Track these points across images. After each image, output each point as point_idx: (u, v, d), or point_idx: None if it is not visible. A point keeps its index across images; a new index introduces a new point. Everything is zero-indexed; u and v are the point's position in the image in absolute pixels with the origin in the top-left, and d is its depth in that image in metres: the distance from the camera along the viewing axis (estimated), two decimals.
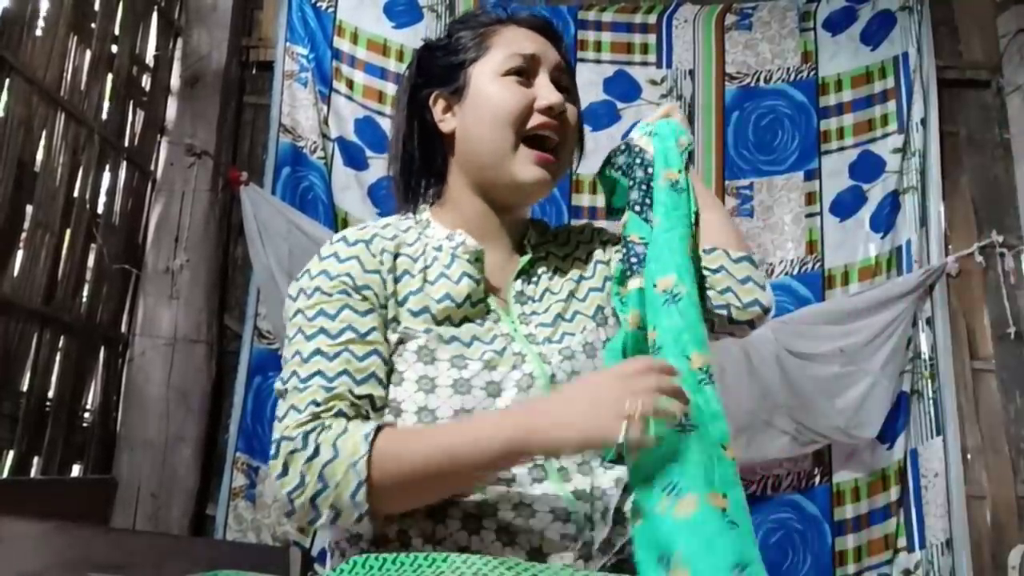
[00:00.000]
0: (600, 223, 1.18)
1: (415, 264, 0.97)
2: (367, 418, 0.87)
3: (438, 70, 1.04)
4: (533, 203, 1.08)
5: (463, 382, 0.89)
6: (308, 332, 0.90)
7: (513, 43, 1.01)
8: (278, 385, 0.90)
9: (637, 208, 1.00)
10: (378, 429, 0.82)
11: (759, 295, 1.04)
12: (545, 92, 0.99)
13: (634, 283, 0.96)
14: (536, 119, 0.98)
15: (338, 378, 0.87)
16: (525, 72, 1.00)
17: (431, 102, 1.03)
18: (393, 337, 0.92)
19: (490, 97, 0.98)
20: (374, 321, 0.91)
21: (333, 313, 0.90)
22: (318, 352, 0.88)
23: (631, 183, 1.03)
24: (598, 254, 1.09)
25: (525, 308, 0.99)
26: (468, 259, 0.98)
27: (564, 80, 1.03)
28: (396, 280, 0.95)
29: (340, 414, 0.85)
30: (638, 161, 1.03)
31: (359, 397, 0.87)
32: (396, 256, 0.96)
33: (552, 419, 0.79)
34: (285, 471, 0.82)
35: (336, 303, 0.91)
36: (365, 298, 0.92)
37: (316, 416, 0.84)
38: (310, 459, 0.80)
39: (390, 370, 0.91)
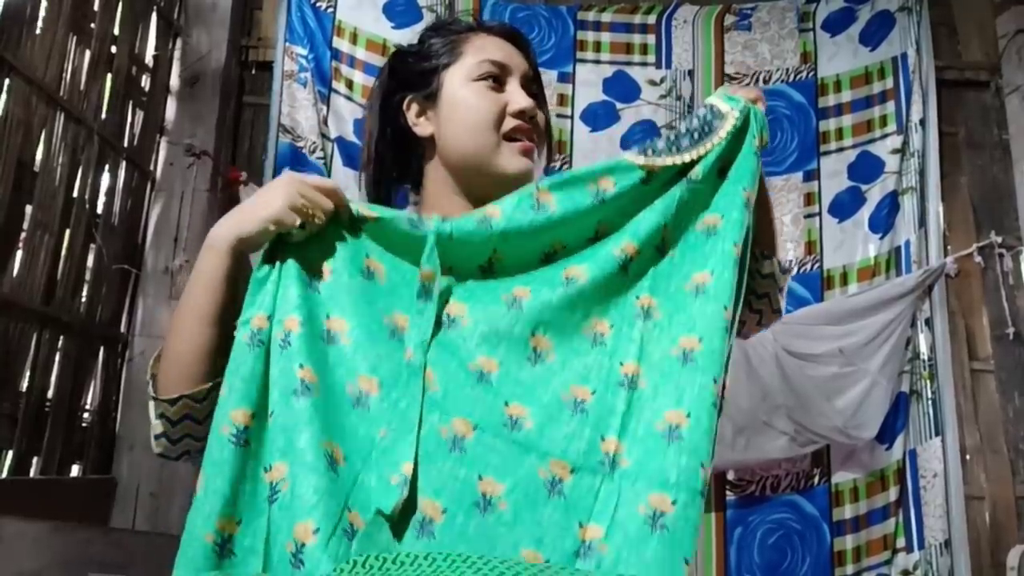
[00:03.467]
0: None
1: None
2: None
3: (411, 75, 1.06)
4: None
5: None
6: None
7: (484, 50, 1.03)
8: None
9: (638, 151, 0.92)
10: None
11: (772, 291, 1.06)
12: (517, 97, 1.01)
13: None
14: (510, 123, 1.01)
15: None
16: (496, 78, 1.02)
17: (404, 107, 1.05)
18: None
19: (464, 102, 1.01)
20: None
21: None
22: None
23: (668, 135, 0.94)
24: None
25: None
26: None
27: (533, 87, 1.06)
28: None
29: None
30: (700, 122, 0.94)
31: None
32: None
33: (234, 214, 0.89)
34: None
35: None
36: None
37: None
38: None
39: None
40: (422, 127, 1.04)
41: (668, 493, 0.76)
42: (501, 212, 0.88)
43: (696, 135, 0.92)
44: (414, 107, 1.05)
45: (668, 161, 0.91)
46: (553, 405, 0.84)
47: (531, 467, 0.80)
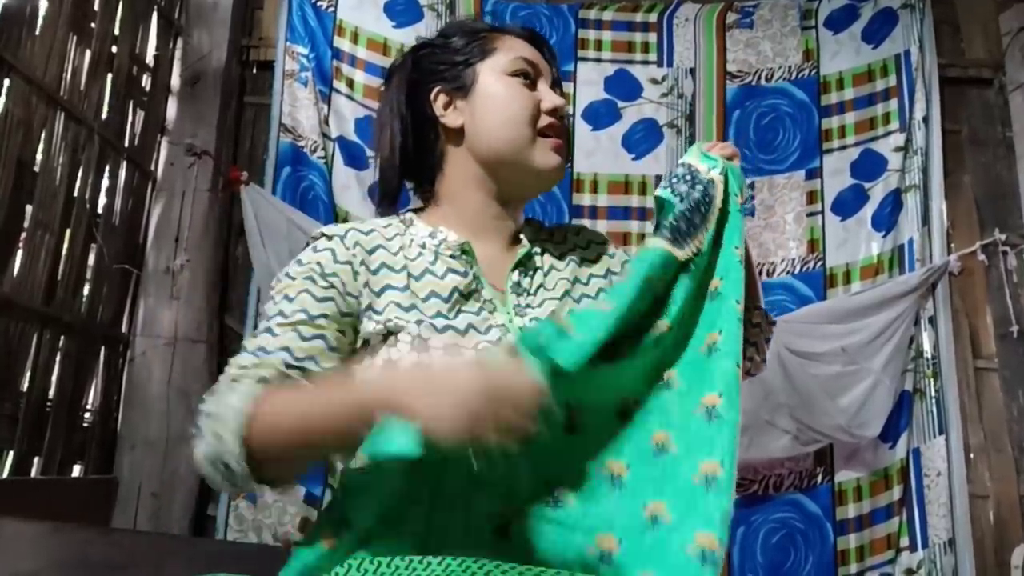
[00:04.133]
0: (600, 224, 1.21)
1: (394, 257, 0.99)
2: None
3: (439, 67, 1.07)
4: (546, 190, 1.12)
5: None
6: (269, 314, 0.94)
7: (516, 48, 1.06)
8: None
9: (670, 236, 0.96)
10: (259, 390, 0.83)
11: (759, 339, 1.13)
12: (549, 95, 1.05)
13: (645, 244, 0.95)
14: (544, 119, 1.03)
15: (277, 353, 0.89)
16: (527, 76, 1.05)
17: (432, 97, 1.05)
18: (372, 327, 0.94)
19: (501, 95, 1.03)
20: (328, 308, 0.93)
21: (292, 296, 0.93)
22: (268, 331, 0.92)
23: (683, 211, 0.98)
24: (598, 269, 1.11)
25: (521, 300, 1.01)
26: (452, 254, 1.00)
27: (557, 91, 1.09)
28: (372, 272, 0.97)
29: (261, 380, 0.86)
30: (701, 194, 0.99)
31: (290, 367, 0.88)
32: (372, 250, 0.99)
33: (400, 393, 0.74)
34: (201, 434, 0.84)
35: (297, 287, 0.94)
36: (330, 285, 0.94)
37: (235, 379, 0.86)
38: (209, 417, 0.83)
39: (338, 357, 0.93)
40: (451, 118, 1.04)
41: (713, 532, 0.80)
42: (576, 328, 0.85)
43: (703, 209, 0.98)
44: (442, 98, 1.05)
45: (697, 245, 0.96)
46: (593, 479, 0.88)
47: (580, 546, 0.84)
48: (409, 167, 1.08)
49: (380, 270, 0.97)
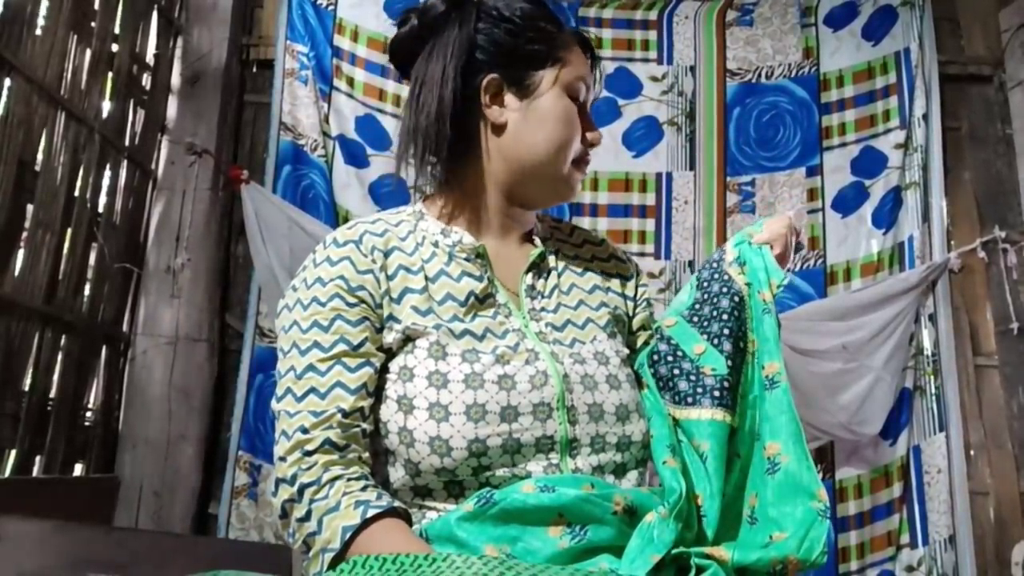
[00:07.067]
0: (601, 222, 1.21)
1: (411, 258, 0.98)
2: (362, 438, 0.90)
3: (499, 52, 1.00)
4: (556, 206, 1.12)
5: (475, 376, 0.89)
6: (302, 346, 0.91)
7: (580, 65, 1.03)
8: (273, 403, 0.92)
9: (714, 341, 1.01)
10: (359, 529, 0.82)
11: None
12: (592, 128, 1.04)
13: (703, 413, 0.98)
14: (581, 150, 1.03)
15: (330, 392, 0.89)
16: (578, 98, 1.02)
17: (483, 84, 0.99)
18: (392, 336, 0.93)
19: (560, 117, 1.00)
20: (366, 331, 0.92)
21: (326, 324, 0.91)
22: (311, 368, 0.90)
23: (706, 305, 1.05)
24: (617, 285, 1.11)
25: (535, 303, 1.01)
26: (466, 257, 0.99)
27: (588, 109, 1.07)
28: (389, 277, 0.96)
29: (328, 446, 0.87)
30: (724, 290, 1.05)
31: (349, 413, 0.89)
32: (388, 253, 0.97)
33: None
34: (284, 515, 0.88)
35: (329, 313, 0.92)
36: (360, 300, 0.93)
37: (306, 452, 0.86)
38: (301, 520, 0.85)
39: (380, 382, 0.93)
40: (495, 113, 0.99)
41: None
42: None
43: (741, 344, 1.07)
44: (493, 87, 0.99)
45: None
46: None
47: None
48: (442, 147, 0.99)
49: (397, 273, 0.96)
